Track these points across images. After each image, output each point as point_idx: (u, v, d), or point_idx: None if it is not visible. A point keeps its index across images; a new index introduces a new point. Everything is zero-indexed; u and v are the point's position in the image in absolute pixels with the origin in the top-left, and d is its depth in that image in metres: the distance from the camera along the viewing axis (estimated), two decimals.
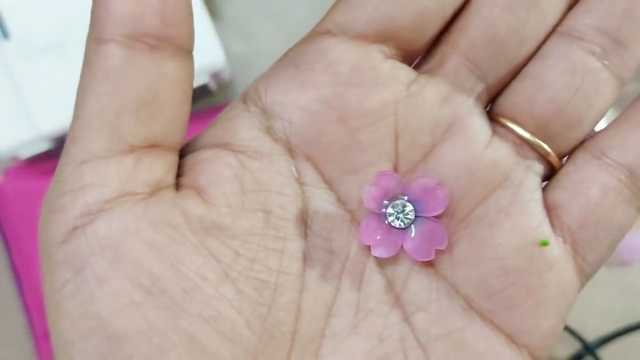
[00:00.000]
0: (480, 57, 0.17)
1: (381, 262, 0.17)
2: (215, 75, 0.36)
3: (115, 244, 0.15)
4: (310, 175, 0.17)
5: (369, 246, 0.17)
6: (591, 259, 0.17)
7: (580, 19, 0.17)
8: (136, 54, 0.15)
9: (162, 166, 0.16)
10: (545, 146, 0.17)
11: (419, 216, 0.17)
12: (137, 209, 0.15)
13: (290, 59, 0.17)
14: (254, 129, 0.17)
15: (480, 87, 0.17)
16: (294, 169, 0.17)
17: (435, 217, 0.17)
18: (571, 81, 0.17)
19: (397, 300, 0.17)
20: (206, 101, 0.39)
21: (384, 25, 0.17)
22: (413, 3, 0.17)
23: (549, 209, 0.17)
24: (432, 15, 0.17)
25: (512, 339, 0.17)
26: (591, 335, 0.37)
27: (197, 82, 0.36)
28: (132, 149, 0.15)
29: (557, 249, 0.17)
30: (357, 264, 0.17)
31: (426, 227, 0.17)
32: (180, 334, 0.15)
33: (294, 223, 0.17)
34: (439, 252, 0.17)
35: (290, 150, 0.17)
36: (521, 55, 0.17)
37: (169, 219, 0.15)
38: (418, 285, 0.17)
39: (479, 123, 0.17)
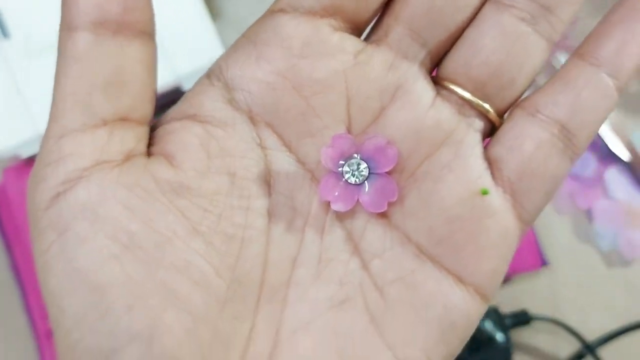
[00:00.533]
0: (421, 26, 0.19)
1: (340, 216, 0.19)
2: None
3: (93, 207, 0.16)
4: (271, 140, 0.19)
5: (329, 202, 0.18)
6: (529, 207, 0.19)
7: None
8: (101, 39, 0.17)
9: (133, 137, 0.18)
10: (485, 105, 0.19)
11: (372, 173, 0.19)
12: (112, 174, 0.17)
13: (248, 37, 0.19)
14: (217, 101, 0.18)
15: (422, 54, 0.19)
16: (255, 135, 0.18)
17: (386, 173, 0.19)
18: (502, 45, 0.19)
19: (355, 249, 0.18)
20: None
21: (330, 1, 0.18)
22: None
23: (490, 163, 0.19)
24: None
25: (459, 279, 0.18)
26: (592, 334, 0.37)
27: None
28: (105, 123, 0.17)
29: (497, 199, 0.18)
30: (318, 218, 0.19)
31: (379, 183, 0.19)
32: (156, 283, 0.16)
33: (257, 183, 0.18)
34: (391, 205, 0.19)
35: (252, 119, 0.18)
36: (457, 22, 0.19)
37: (141, 183, 0.17)
38: (374, 235, 0.19)
39: (422, 86, 0.19)
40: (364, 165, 0.19)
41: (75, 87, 0.17)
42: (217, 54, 0.36)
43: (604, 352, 0.37)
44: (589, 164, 0.40)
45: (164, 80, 0.35)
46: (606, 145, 0.40)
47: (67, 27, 0.17)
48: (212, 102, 0.18)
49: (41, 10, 0.35)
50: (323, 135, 0.19)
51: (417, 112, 0.19)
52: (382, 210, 0.18)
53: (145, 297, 0.16)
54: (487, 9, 0.19)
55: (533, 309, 0.37)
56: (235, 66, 0.19)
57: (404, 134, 0.19)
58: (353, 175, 0.19)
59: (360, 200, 0.18)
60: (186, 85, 0.36)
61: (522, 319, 0.37)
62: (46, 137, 0.17)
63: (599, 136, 0.40)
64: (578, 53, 0.19)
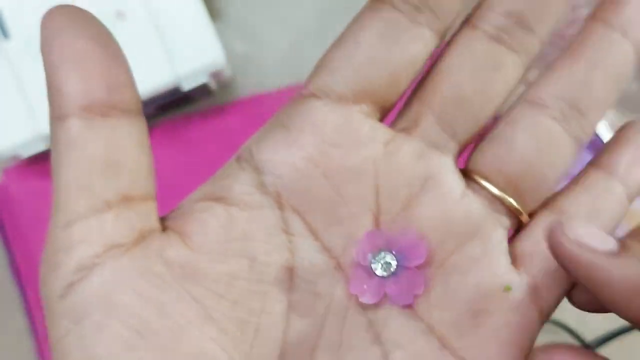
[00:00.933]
0: (451, 117, 0.19)
1: (364, 304, 0.19)
2: (216, 75, 0.37)
3: (108, 295, 0.17)
4: (297, 225, 0.19)
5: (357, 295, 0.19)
6: (550, 301, 0.19)
7: (544, 89, 0.20)
8: (92, 123, 0.17)
9: (139, 216, 0.18)
10: (514, 202, 0.19)
11: (400, 265, 0.19)
12: (123, 260, 0.17)
13: (280, 121, 0.19)
14: (246, 184, 0.18)
15: (452, 144, 0.19)
16: (281, 220, 0.18)
17: (414, 267, 0.19)
18: (537, 144, 0.19)
19: (377, 338, 0.18)
20: (207, 101, 0.40)
21: (362, 87, 0.19)
22: (386, 64, 0.19)
23: (516, 258, 0.19)
24: (404, 72, 0.19)
25: None
26: (591, 334, 0.37)
27: (197, 81, 0.36)
28: (109, 206, 0.17)
29: (520, 294, 0.19)
30: (341, 305, 0.19)
31: (407, 276, 0.19)
32: None
33: (278, 269, 0.18)
34: (416, 296, 0.19)
35: (280, 204, 0.19)
36: (487, 113, 0.20)
37: (153, 269, 0.17)
38: (397, 324, 0.19)
39: (452, 178, 0.19)
40: (393, 260, 0.19)
41: (75, 174, 0.17)
42: (217, 54, 0.36)
43: (604, 352, 0.37)
44: None
45: (164, 80, 0.35)
46: None
47: (57, 116, 0.17)
48: (240, 186, 0.18)
49: (41, 10, 0.35)
50: (350, 224, 0.19)
51: (447, 204, 0.19)
52: (409, 304, 0.19)
53: None
54: (522, 107, 0.20)
55: None
56: (266, 150, 0.19)
57: (433, 225, 0.19)
58: (382, 268, 0.19)
59: (388, 293, 0.19)
60: (186, 86, 0.36)
61: None
62: (54, 226, 0.17)
63: (597, 136, 0.40)
64: (595, 162, 0.20)
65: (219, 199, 0.18)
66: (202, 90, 0.37)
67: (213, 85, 0.37)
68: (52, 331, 0.17)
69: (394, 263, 0.19)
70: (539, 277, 0.19)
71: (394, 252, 0.19)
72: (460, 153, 0.20)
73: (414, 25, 0.19)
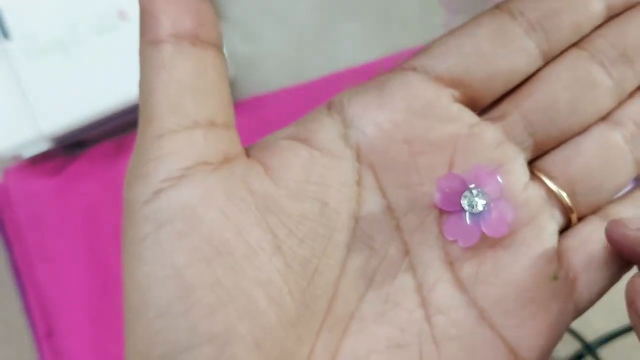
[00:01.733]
0: (537, 120, 0.20)
1: (414, 267, 0.19)
2: None
3: (193, 207, 0.17)
4: (369, 181, 0.20)
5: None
6: (586, 296, 0.20)
7: (623, 112, 0.21)
8: (182, 49, 0.18)
9: (225, 140, 0.18)
10: (568, 200, 0.20)
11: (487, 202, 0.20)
12: (211, 178, 0.18)
13: (377, 83, 0.20)
14: (331, 132, 0.20)
15: (529, 142, 0.21)
16: (356, 173, 0.20)
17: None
18: (602, 155, 0.21)
19: (423, 301, 0.19)
20: None
21: (460, 76, 0.20)
22: (488, 62, 0.20)
23: (560, 253, 0.20)
24: (501, 77, 0.20)
25: (513, 353, 0.19)
26: (592, 334, 0.37)
27: None
28: (198, 125, 0.18)
29: (562, 286, 0.20)
30: (394, 263, 0.19)
31: (495, 208, 0.19)
32: (240, 291, 0.17)
33: (345, 217, 0.19)
34: (510, 224, 0.19)
35: (358, 157, 0.20)
36: (571, 126, 0.21)
37: (237, 190, 0.18)
38: (442, 292, 0.19)
39: (520, 170, 0.21)
40: (481, 199, 0.19)
41: (166, 92, 0.18)
42: None
43: (604, 352, 0.37)
44: None
45: None
46: None
47: (150, 41, 0.18)
48: (326, 133, 0.20)
49: (42, 10, 0.35)
50: (417, 190, 0.20)
51: (510, 190, 0.20)
52: (506, 232, 0.19)
53: (227, 303, 0.17)
54: (597, 124, 0.21)
55: None
56: (357, 106, 0.20)
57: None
58: (475, 207, 0.19)
59: (483, 230, 0.19)
60: None
61: None
62: (142, 137, 0.18)
63: None
64: None
65: (302, 140, 0.19)
66: None
67: None
68: (128, 235, 0.17)
69: (482, 201, 0.19)
70: (579, 273, 0.20)
71: (477, 190, 0.19)
72: (534, 155, 0.21)
73: (525, 39, 0.20)
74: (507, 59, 0.20)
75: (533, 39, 0.20)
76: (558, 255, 0.20)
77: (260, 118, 0.38)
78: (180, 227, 0.17)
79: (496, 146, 0.20)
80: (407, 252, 0.20)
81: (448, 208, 0.19)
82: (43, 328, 0.37)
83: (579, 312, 0.20)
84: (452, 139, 0.20)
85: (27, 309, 0.37)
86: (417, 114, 0.20)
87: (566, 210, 0.21)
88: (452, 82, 0.20)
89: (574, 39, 0.21)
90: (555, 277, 0.20)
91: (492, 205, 0.19)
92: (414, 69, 0.20)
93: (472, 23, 0.21)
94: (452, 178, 0.19)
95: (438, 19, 0.40)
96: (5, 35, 0.35)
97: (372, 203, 0.20)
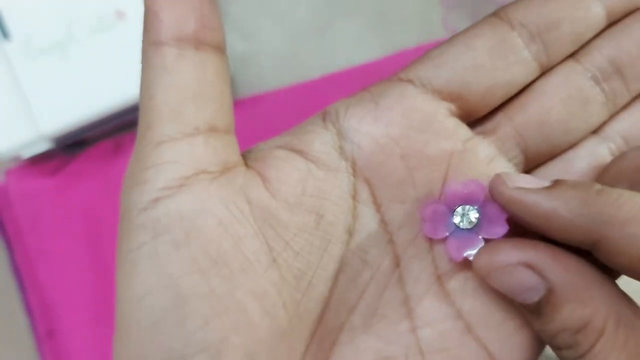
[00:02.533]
0: (528, 135, 0.20)
1: (403, 280, 0.19)
2: None
3: (191, 217, 0.17)
4: (364, 195, 0.20)
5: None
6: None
7: (611, 126, 0.21)
8: (184, 53, 0.18)
9: (225, 147, 0.18)
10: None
11: (479, 215, 0.20)
12: (211, 187, 0.18)
13: (373, 94, 0.20)
14: (327, 144, 0.20)
15: (520, 157, 0.21)
16: (352, 186, 0.20)
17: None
18: (594, 173, 0.21)
19: (409, 313, 0.19)
20: None
21: (458, 89, 0.20)
22: (488, 77, 0.20)
23: None
24: (500, 90, 0.20)
25: None
26: None
27: None
28: (198, 132, 0.18)
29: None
30: (384, 277, 0.19)
31: (488, 213, 0.19)
32: (234, 302, 0.17)
33: (340, 230, 0.19)
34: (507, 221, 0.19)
35: (354, 170, 0.20)
36: (562, 143, 0.21)
37: (236, 202, 0.18)
38: (429, 305, 0.19)
39: None
40: (475, 213, 0.19)
41: (167, 97, 0.18)
42: None
43: None
44: None
45: None
46: None
47: (153, 42, 0.18)
48: (321, 144, 0.19)
49: (41, 10, 0.35)
50: (412, 205, 0.20)
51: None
52: (506, 230, 0.19)
53: (221, 313, 0.17)
54: (587, 139, 0.21)
55: None
56: (353, 118, 0.20)
57: None
58: (469, 223, 0.19)
59: (483, 236, 0.19)
60: None
61: None
62: (142, 142, 0.18)
63: None
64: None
65: (299, 152, 0.19)
66: None
67: None
68: (124, 243, 0.17)
69: (475, 214, 0.19)
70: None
71: (469, 207, 0.19)
72: (524, 170, 0.21)
73: (524, 51, 0.20)
74: (506, 72, 0.20)
75: (532, 50, 0.20)
76: None
77: (258, 117, 0.38)
78: (177, 236, 0.17)
79: (489, 162, 0.20)
80: (397, 265, 0.20)
81: (438, 236, 0.19)
82: (43, 328, 0.37)
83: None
84: (447, 154, 0.20)
85: (28, 309, 0.37)
86: (414, 129, 0.20)
87: None
88: (449, 96, 0.20)
89: (573, 49, 0.21)
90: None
91: (482, 212, 0.19)
92: (411, 82, 0.20)
93: (471, 33, 0.20)
94: (434, 205, 0.19)
95: (437, 17, 0.40)
96: (5, 35, 0.35)
97: (367, 217, 0.20)
